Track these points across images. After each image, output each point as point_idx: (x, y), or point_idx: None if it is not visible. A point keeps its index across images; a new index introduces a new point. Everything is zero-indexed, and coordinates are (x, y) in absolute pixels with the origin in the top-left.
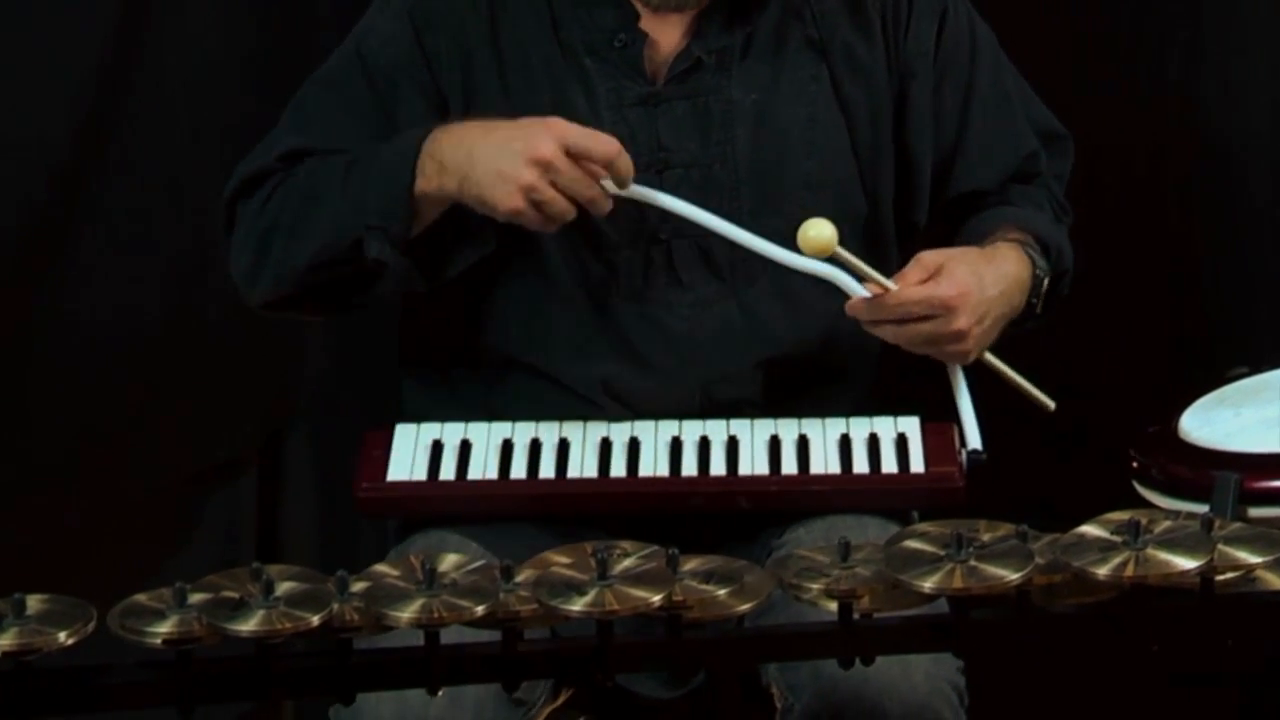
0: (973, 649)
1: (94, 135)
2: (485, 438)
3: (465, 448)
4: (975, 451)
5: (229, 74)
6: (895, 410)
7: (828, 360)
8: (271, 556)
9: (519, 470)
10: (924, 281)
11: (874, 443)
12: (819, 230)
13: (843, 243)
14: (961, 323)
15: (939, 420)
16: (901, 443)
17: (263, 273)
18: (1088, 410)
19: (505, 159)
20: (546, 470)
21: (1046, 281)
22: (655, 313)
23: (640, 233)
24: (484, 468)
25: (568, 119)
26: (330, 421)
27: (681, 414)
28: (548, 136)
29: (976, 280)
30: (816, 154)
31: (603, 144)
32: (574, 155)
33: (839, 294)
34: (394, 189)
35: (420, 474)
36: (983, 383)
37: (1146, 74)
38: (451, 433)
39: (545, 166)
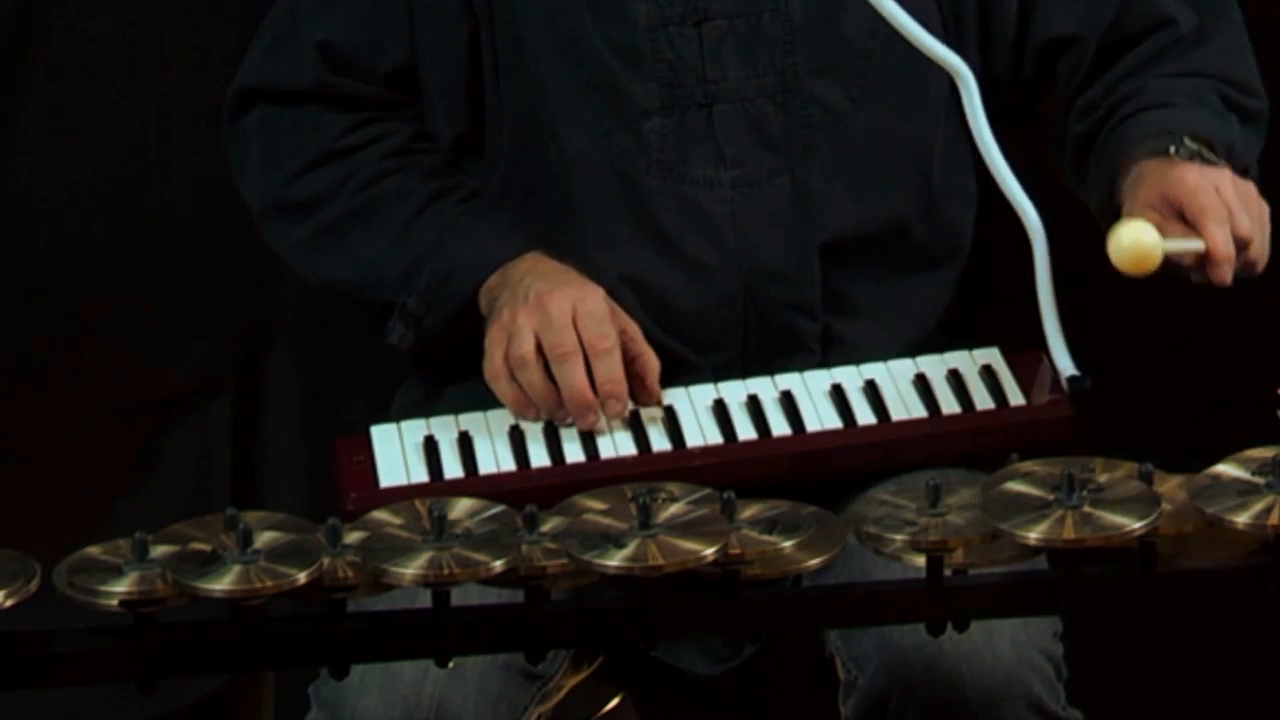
0: (1085, 612)
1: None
2: (485, 425)
3: (466, 440)
4: (1075, 378)
5: None
6: (968, 343)
7: (901, 255)
8: (249, 501)
9: (540, 457)
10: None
11: (957, 379)
12: (1136, 235)
13: (935, 115)
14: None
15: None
16: (989, 375)
17: (270, 229)
18: (1223, 330)
19: (506, 328)
20: (574, 454)
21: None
22: (691, 192)
23: (674, 96)
24: (495, 459)
25: None
26: (319, 339)
27: (721, 319)
28: (533, 329)
29: (1205, 176)
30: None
31: (603, 341)
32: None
33: (914, 172)
34: (452, 287)
35: (419, 476)
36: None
37: None
38: (442, 426)
39: (519, 364)
